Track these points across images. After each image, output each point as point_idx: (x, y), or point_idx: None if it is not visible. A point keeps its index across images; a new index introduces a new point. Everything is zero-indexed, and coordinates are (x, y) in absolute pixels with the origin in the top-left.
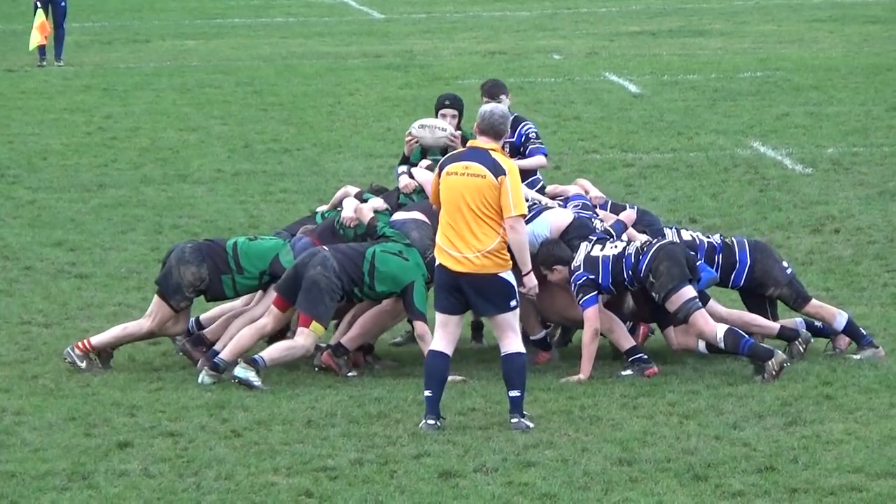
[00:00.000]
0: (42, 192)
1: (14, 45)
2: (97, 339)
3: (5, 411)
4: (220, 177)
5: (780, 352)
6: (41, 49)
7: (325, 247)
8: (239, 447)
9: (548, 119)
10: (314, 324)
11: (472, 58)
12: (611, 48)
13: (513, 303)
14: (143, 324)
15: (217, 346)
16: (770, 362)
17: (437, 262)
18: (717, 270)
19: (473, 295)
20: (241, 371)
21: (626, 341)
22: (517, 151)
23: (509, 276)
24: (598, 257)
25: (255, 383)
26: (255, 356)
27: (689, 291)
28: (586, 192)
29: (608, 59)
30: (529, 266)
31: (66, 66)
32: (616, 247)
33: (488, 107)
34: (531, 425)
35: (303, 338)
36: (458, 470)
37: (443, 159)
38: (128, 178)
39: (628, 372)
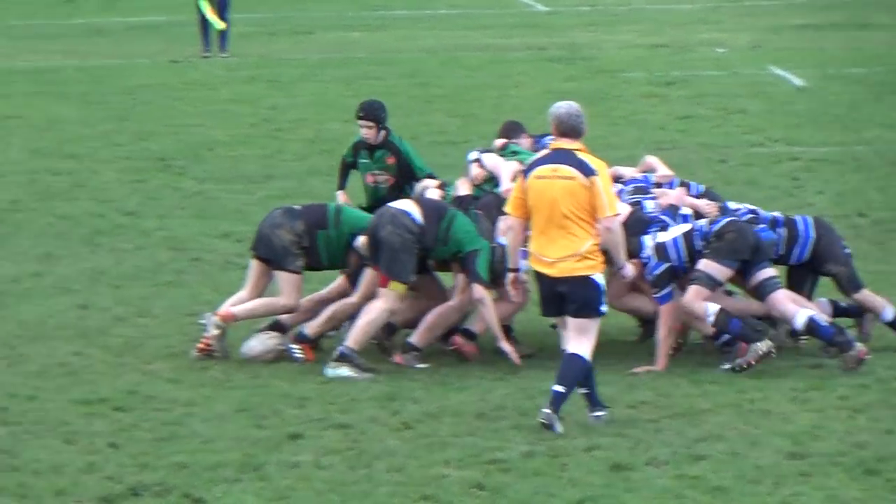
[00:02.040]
0: (208, 183)
1: (179, 35)
2: (240, 309)
3: (176, 402)
4: None
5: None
6: (206, 40)
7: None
8: (409, 439)
9: (712, 112)
10: (392, 283)
11: (636, 51)
12: (775, 41)
13: (603, 308)
14: (279, 300)
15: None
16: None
17: (532, 270)
18: (779, 244)
19: (568, 296)
20: (331, 371)
21: (709, 328)
22: None
23: (601, 279)
24: (665, 243)
25: (354, 375)
26: (341, 348)
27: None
28: (654, 171)
29: (772, 52)
30: (624, 261)
31: (231, 58)
32: (681, 226)
33: (563, 107)
34: (559, 430)
35: (382, 300)
36: (628, 463)
37: (526, 164)
38: (293, 169)
39: (727, 366)
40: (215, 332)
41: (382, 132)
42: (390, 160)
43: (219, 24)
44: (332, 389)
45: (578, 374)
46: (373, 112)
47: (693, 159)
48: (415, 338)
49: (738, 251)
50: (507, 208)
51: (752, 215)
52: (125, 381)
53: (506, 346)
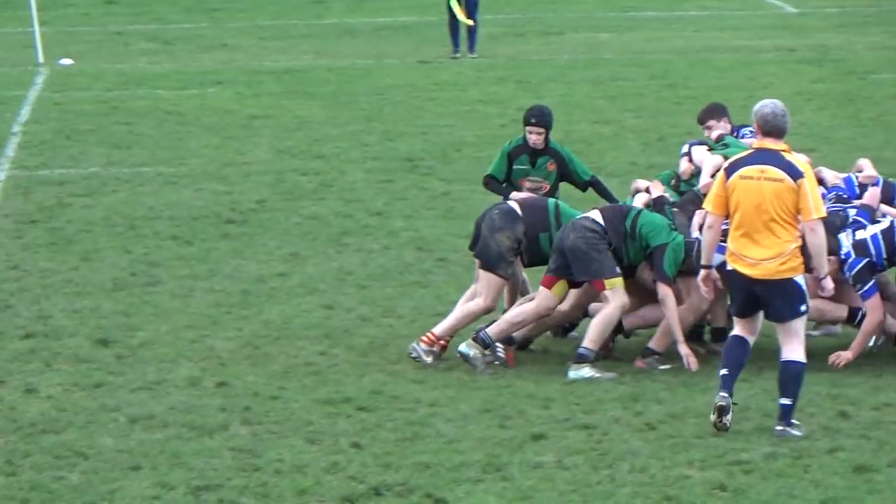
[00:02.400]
0: (456, 184)
1: (427, 36)
2: (440, 329)
3: (420, 403)
4: (634, 170)
5: None
6: (455, 41)
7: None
8: (653, 440)
9: None
10: (607, 281)
11: (887, 52)
12: None
13: (803, 307)
14: (478, 303)
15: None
16: None
17: (729, 267)
18: None
19: (766, 299)
20: (573, 373)
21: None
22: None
23: (802, 280)
24: (865, 239)
25: (596, 375)
26: (580, 349)
27: None
28: (860, 171)
29: None
30: (826, 269)
31: (480, 58)
32: (879, 223)
33: (768, 106)
34: (799, 434)
35: (612, 298)
36: (872, 465)
37: (728, 163)
38: None
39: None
40: (429, 359)
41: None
42: (551, 167)
43: (467, 22)
44: (577, 390)
45: (798, 378)
46: (545, 118)
47: None
48: (653, 343)
49: None
50: (707, 205)
51: None
52: (370, 381)
53: (684, 349)
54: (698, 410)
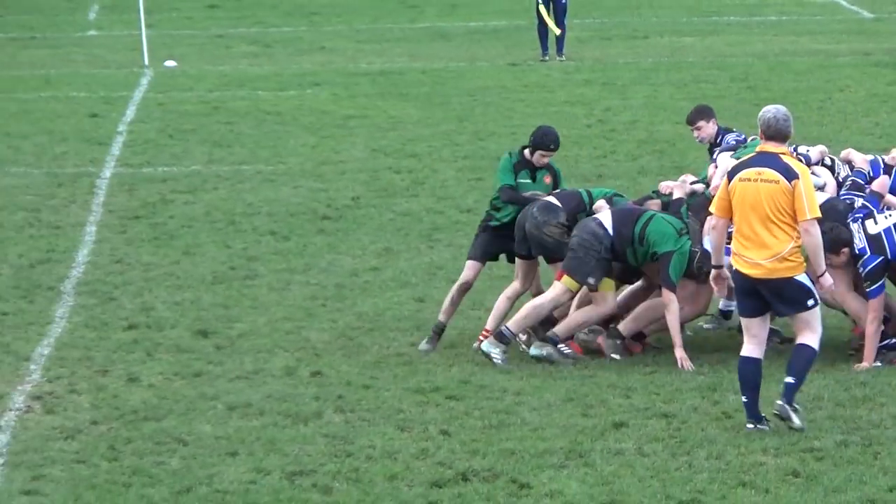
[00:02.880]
0: None
1: (517, 40)
2: (514, 325)
3: (506, 391)
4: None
5: None
6: (544, 44)
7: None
8: (729, 428)
9: None
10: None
11: None
12: None
13: (810, 302)
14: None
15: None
16: None
17: (733, 268)
18: None
19: (771, 298)
20: (486, 345)
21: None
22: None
23: (804, 277)
24: (879, 233)
25: (496, 359)
26: (502, 328)
27: None
28: (852, 162)
29: None
30: (823, 268)
31: (567, 61)
32: (890, 216)
33: (771, 111)
34: (797, 421)
35: (553, 291)
36: None
37: (731, 167)
38: (625, 169)
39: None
40: (502, 356)
41: None
42: (547, 179)
43: (555, 30)
44: (657, 380)
45: (808, 363)
46: (558, 141)
47: None
48: (622, 325)
49: None
50: (712, 208)
51: None
52: (458, 371)
53: (680, 352)
54: (769, 399)
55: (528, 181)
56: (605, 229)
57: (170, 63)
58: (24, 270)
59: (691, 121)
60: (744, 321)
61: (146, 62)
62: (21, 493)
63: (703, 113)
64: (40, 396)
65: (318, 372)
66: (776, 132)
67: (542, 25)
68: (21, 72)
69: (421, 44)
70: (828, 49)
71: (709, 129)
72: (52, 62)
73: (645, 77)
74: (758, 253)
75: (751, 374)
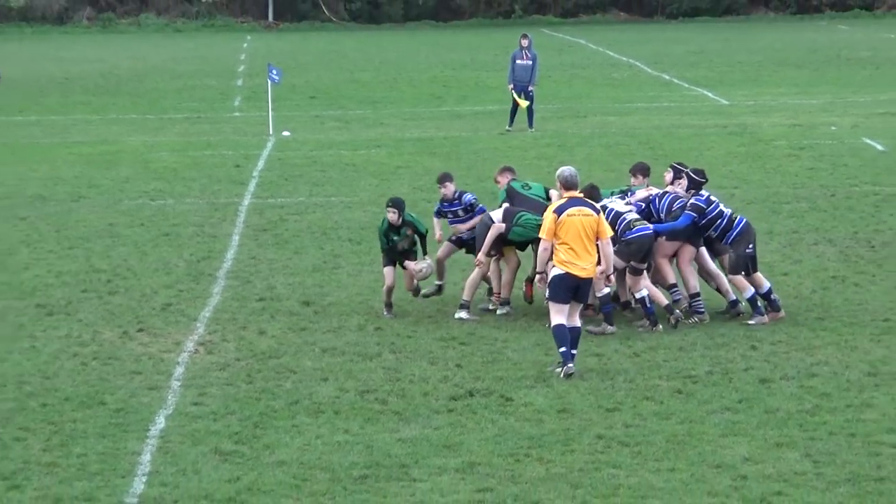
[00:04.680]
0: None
1: (504, 119)
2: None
3: (496, 340)
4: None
5: None
6: (511, 120)
7: None
8: (638, 364)
9: (826, 165)
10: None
11: (783, 128)
12: (867, 122)
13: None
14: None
15: None
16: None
17: (562, 272)
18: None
19: (584, 291)
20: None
21: None
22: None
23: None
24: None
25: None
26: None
27: None
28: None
29: (866, 129)
30: (612, 269)
31: (536, 132)
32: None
33: (567, 171)
34: (571, 369)
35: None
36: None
37: (556, 207)
38: None
39: None
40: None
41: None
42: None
43: (523, 104)
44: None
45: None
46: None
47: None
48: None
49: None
50: (543, 234)
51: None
52: (467, 327)
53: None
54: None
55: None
56: (491, 220)
57: (285, 133)
58: (193, 264)
59: (632, 171)
60: (558, 305)
61: (271, 132)
62: (191, 405)
63: (641, 169)
64: (203, 343)
65: (379, 327)
66: (572, 184)
67: (514, 106)
68: (191, 138)
69: (444, 121)
70: (699, 123)
71: (640, 181)
72: (211, 132)
73: (585, 141)
74: (586, 262)
75: (563, 333)
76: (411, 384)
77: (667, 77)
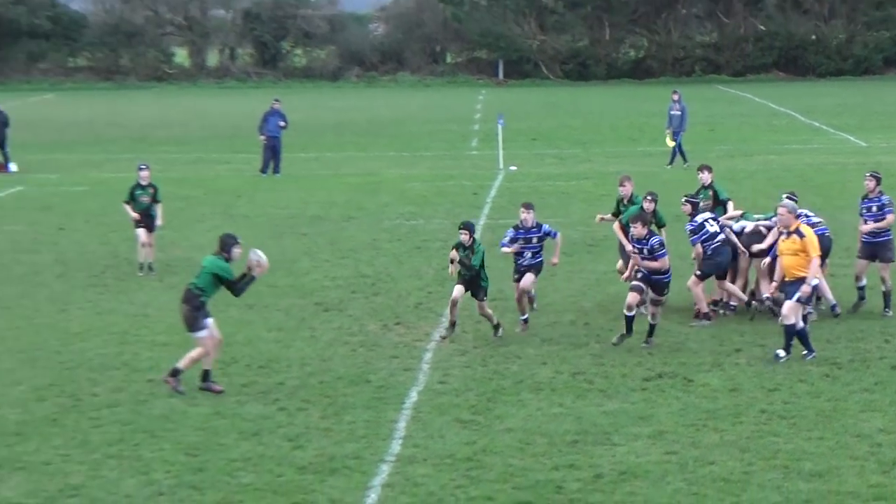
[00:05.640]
0: None
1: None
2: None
3: (519, 341)
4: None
5: None
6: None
7: None
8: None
9: None
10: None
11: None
12: None
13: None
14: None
15: None
16: None
17: None
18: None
19: None
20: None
21: None
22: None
23: None
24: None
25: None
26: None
27: None
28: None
29: None
30: None
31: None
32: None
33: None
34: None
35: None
36: None
37: None
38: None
39: None
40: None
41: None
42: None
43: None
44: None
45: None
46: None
47: None
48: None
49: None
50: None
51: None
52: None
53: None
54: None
55: None
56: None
57: (512, 167)
58: (439, 271)
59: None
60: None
61: (500, 167)
62: (437, 383)
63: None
64: (447, 333)
65: (587, 323)
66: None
67: (672, 148)
68: (438, 171)
69: (638, 158)
70: (842, 161)
71: (629, 188)
72: (454, 167)
73: (751, 175)
74: None
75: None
76: (612, 368)
77: (816, 124)
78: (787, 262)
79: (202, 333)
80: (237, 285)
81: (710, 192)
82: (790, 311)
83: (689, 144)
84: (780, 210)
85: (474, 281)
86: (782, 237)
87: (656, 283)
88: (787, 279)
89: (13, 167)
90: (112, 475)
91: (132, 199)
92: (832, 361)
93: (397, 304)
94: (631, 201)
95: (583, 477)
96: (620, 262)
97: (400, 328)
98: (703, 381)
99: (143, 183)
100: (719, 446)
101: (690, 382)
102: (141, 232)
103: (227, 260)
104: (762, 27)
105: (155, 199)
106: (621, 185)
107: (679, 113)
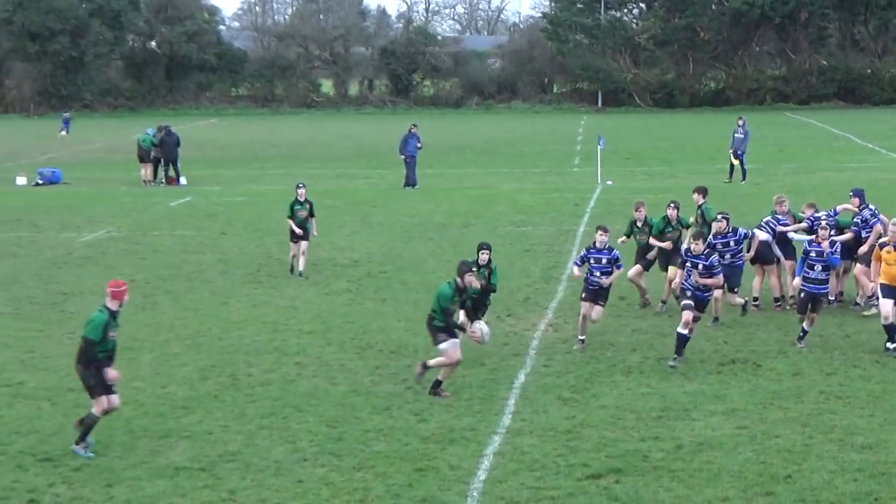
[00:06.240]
0: None
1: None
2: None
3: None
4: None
5: None
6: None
7: None
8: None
9: None
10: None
11: None
12: None
13: None
14: None
15: None
16: None
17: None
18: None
19: None
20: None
21: None
22: None
23: None
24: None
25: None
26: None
27: None
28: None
29: None
30: None
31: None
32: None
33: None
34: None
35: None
36: None
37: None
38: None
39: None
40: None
41: None
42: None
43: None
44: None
45: None
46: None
47: None
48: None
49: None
50: None
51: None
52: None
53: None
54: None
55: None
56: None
57: (609, 182)
58: (545, 271)
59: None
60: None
61: (599, 181)
62: (542, 366)
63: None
64: (551, 324)
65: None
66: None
67: (731, 167)
68: (545, 185)
69: (718, 175)
70: (895, 178)
71: (642, 213)
72: (558, 182)
73: (814, 189)
74: None
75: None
76: (692, 354)
77: (871, 146)
78: (893, 271)
79: (444, 346)
80: (449, 318)
81: (699, 213)
82: (891, 313)
83: (761, 163)
84: (892, 228)
85: (482, 299)
86: (887, 248)
87: (700, 299)
88: (889, 283)
89: (183, 181)
90: (264, 443)
91: (292, 214)
92: (882, 350)
93: (508, 298)
94: (646, 223)
95: (666, 447)
96: (633, 269)
97: (511, 319)
98: (770, 366)
99: (301, 199)
100: (783, 422)
101: (759, 367)
102: (298, 244)
103: (458, 285)
104: (824, 62)
105: (311, 214)
106: (636, 209)
107: (742, 136)
